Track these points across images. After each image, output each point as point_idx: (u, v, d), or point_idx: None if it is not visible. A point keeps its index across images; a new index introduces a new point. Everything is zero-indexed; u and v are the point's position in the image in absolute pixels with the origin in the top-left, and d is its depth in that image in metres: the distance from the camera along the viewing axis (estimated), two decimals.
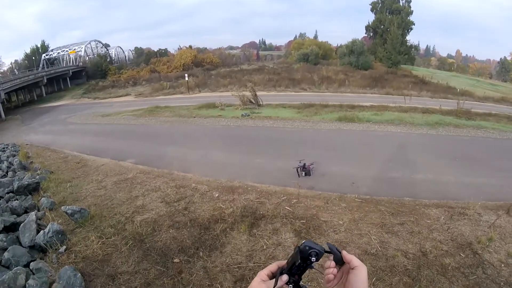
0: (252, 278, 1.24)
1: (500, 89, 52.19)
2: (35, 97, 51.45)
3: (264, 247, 5.47)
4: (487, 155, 12.38)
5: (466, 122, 17.89)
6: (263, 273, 1.22)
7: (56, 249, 5.50)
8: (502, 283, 4.58)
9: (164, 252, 5.40)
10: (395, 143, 13.50)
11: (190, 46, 70.77)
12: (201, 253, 5.36)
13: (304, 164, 9.48)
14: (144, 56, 70.78)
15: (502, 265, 5.01)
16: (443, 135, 15.14)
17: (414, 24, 62.38)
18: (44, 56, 67.54)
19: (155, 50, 73.20)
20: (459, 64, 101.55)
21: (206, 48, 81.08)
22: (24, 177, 9.91)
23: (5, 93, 38.79)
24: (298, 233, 5.84)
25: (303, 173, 9.45)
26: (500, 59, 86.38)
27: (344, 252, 1.24)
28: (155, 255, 5.33)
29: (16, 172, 11.08)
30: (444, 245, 5.54)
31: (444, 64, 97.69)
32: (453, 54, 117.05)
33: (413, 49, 64.95)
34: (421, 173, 9.72)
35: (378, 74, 46.62)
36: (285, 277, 1.20)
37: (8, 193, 8.56)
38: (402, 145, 13.29)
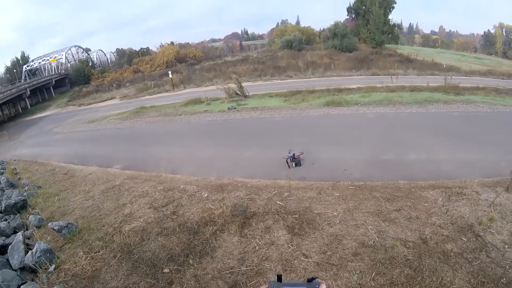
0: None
1: (486, 62, 52.86)
2: (20, 110, 50.70)
3: (257, 247, 5.28)
4: (479, 129, 12.33)
5: (455, 97, 17.86)
6: None
7: (46, 268, 5.32)
8: (507, 266, 4.43)
9: (154, 263, 5.20)
10: (385, 124, 13.39)
11: (172, 43, 69.81)
12: (191, 260, 5.15)
13: (294, 154, 9.30)
14: (126, 57, 69.73)
15: (506, 246, 4.86)
16: (433, 112, 15.07)
17: (395, 3, 62.00)
18: (25, 68, 66.58)
19: (137, 50, 72.20)
20: (443, 40, 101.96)
21: (188, 43, 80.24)
22: (12, 195, 9.62)
23: None
24: (291, 229, 5.65)
25: (293, 163, 9.28)
26: (484, 32, 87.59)
27: None
28: (144, 267, 5.13)
29: (4, 191, 10.75)
30: (444, 229, 5.39)
31: (428, 40, 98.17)
32: (437, 30, 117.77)
33: (396, 27, 65.00)
34: (414, 153, 9.62)
35: (363, 55, 46.73)
36: None
37: None
38: (392, 125, 13.20)
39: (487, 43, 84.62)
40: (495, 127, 12.66)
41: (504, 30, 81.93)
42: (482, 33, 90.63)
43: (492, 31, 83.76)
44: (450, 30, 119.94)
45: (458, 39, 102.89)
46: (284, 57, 49.79)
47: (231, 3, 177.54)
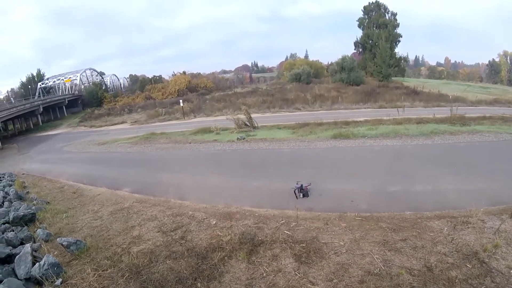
0: None
1: (491, 91, 52.92)
2: (32, 126, 51.74)
3: (264, 274, 5.35)
4: (485, 159, 12.44)
5: (460, 128, 17.98)
6: None
7: (52, 281, 5.38)
8: None
9: (161, 284, 5.26)
10: (391, 156, 13.51)
11: (184, 72, 71.28)
12: (199, 284, 5.22)
13: (301, 185, 9.40)
14: (138, 83, 71.12)
15: (511, 271, 4.95)
16: (439, 144, 15.20)
17: (401, 36, 63.85)
18: (40, 85, 68.30)
19: (150, 77, 73.66)
20: (449, 71, 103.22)
21: (199, 73, 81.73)
22: (20, 207, 9.78)
23: (1, 122, 38.94)
24: (299, 257, 5.73)
25: (301, 194, 9.37)
26: (489, 61, 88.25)
27: None
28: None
29: (12, 202, 10.92)
30: (449, 257, 5.45)
31: (434, 72, 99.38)
32: (442, 61, 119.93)
33: (402, 60, 66.40)
34: (420, 184, 9.68)
35: (370, 88, 47.18)
36: None
37: (3, 223, 8.41)
38: (399, 157, 13.31)
39: (492, 72, 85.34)
40: (501, 156, 12.79)
41: (508, 58, 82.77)
42: (487, 62, 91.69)
43: (497, 59, 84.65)
44: (455, 61, 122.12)
45: (463, 70, 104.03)
46: (293, 89, 50.41)
47: (242, 37, 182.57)
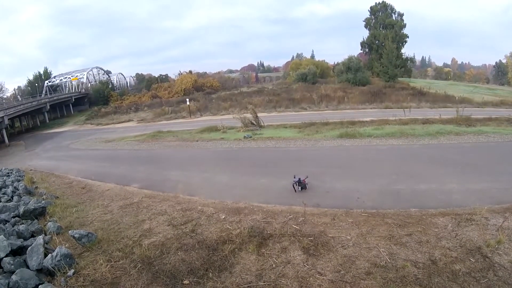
0: None
1: (498, 93, 52.91)
2: (38, 123, 52.38)
3: (274, 265, 5.47)
4: (490, 159, 12.45)
5: (466, 129, 17.98)
6: None
7: (64, 272, 5.48)
8: None
9: (174, 274, 5.39)
10: (397, 156, 13.60)
11: (190, 71, 71.74)
12: (210, 274, 5.34)
13: (299, 179, 9.53)
14: (145, 82, 71.78)
15: None
16: (444, 144, 15.23)
17: (408, 37, 63.93)
18: (47, 83, 69.10)
19: (156, 76, 74.19)
20: (456, 72, 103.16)
21: (206, 72, 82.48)
22: (29, 202, 9.88)
23: (8, 119, 39.47)
24: (307, 250, 5.85)
25: (299, 187, 9.52)
26: (496, 63, 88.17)
27: None
28: (165, 278, 5.32)
29: (21, 197, 11.06)
30: (453, 252, 5.55)
31: (441, 73, 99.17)
32: (449, 62, 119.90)
33: (409, 61, 66.41)
34: (425, 183, 9.72)
35: (376, 89, 47.50)
36: None
37: (14, 217, 8.52)
38: (404, 157, 13.40)
39: (499, 73, 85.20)
40: (505, 157, 12.80)
41: None
42: (493, 63, 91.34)
43: (504, 61, 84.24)
44: (462, 62, 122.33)
45: (470, 71, 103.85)
46: (299, 89, 50.69)
47: (249, 38, 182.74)
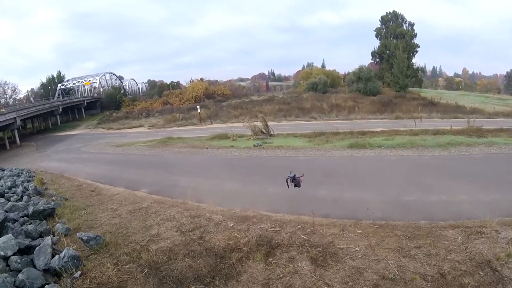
0: None
1: (509, 103, 52.38)
2: (50, 125, 53.19)
3: (281, 275, 5.41)
4: (501, 171, 12.30)
5: (477, 140, 17.84)
6: None
7: (71, 273, 5.47)
8: None
9: (180, 280, 5.36)
10: (407, 167, 13.49)
11: (202, 79, 72.49)
12: (217, 281, 5.30)
13: (294, 175, 9.42)
14: (157, 88, 72.50)
15: None
16: (455, 155, 15.12)
17: (419, 47, 63.91)
18: (60, 86, 70.22)
19: (168, 83, 74.94)
20: (467, 82, 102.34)
21: (217, 80, 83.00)
22: (39, 202, 9.92)
23: (21, 120, 40.03)
24: (315, 260, 5.78)
25: (293, 184, 9.38)
26: (507, 72, 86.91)
27: None
28: (171, 283, 5.29)
29: (30, 197, 11.13)
30: (462, 265, 5.45)
31: (452, 83, 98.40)
32: (460, 72, 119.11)
33: (419, 71, 66.00)
34: (435, 194, 9.64)
35: (387, 99, 47.29)
36: None
37: (22, 216, 8.57)
38: (415, 168, 13.28)
39: (510, 83, 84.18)
40: None
41: None
42: (505, 73, 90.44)
43: None
44: (473, 72, 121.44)
45: (481, 81, 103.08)
46: (309, 99, 50.74)
47: (260, 46, 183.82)
